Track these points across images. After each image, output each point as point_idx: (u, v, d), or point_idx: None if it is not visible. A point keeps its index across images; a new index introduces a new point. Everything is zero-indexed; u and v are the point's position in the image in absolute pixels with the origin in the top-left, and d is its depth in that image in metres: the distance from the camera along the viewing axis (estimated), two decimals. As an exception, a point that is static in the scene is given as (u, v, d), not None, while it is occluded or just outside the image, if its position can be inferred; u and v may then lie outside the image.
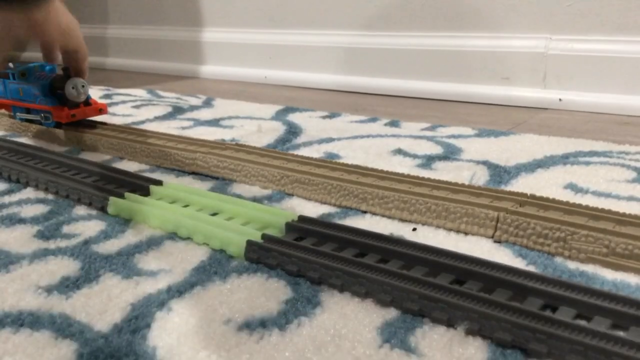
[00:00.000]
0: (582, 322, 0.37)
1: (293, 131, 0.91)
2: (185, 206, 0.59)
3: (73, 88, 0.85)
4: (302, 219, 0.53)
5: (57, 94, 0.87)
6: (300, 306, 0.42)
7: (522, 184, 0.64)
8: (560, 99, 1.06)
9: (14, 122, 0.99)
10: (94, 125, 0.92)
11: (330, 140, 0.86)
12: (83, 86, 0.86)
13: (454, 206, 0.54)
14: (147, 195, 0.62)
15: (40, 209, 0.62)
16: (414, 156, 0.76)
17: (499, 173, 0.68)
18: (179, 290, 0.44)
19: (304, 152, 0.80)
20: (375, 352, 0.36)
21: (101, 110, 0.90)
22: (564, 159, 0.73)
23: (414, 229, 0.54)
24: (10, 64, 0.91)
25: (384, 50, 1.27)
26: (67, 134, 0.88)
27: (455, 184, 0.59)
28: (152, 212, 0.56)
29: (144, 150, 0.78)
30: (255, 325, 0.39)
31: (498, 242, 0.51)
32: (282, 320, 0.40)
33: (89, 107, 0.88)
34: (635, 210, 0.54)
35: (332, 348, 0.37)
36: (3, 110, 1.00)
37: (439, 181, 0.60)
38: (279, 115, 1.05)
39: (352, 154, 0.78)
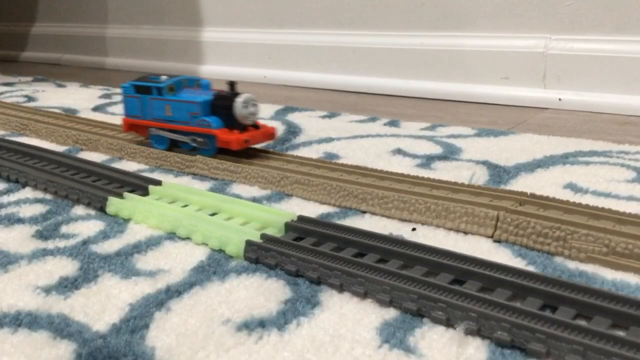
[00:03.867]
0: (582, 322, 0.37)
1: (292, 131, 0.91)
2: (184, 206, 0.59)
3: (245, 106, 0.68)
4: (302, 219, 0.53)
5: (221, 113, 0.70)
6: (300, 306, 0.42)
7: (521, 184, 0.64)
8: (560, 99, 1.05)
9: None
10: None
11: (329, 140, 0.86)
12: (254, 104, 0.70)
13: (453, 206, 0.54)
14: (146, 195, 0.62)
15: (39, 209, 0.62)
16: (414, 156, 0.76)
17: (499, 173, 0.68)
18: (177, 291, 0.44)
19: (303, 151, 0.79)
20: (375, 352, 0.36)
21: (271, 135, 0.73)
22: (564, 159, 0.72)
23: (414, 229, 0.54)
24: (164, 76, 0.75)
25: (384, 50, 1.27)
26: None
27: (455, 183, 0.59)
28: (151, 212, 0.56)
29: (143, 150, 0.78)
30: (254, 326, 0.39)
31: (498, 241, 0.51)
32: (281, 320, 0.40)
33: (259, 131, 0.71)
34: (635, 210, 0.54)
35: (331, 348, 0.37)
36: (128, 133, 0.82)
37: (438, 181, 0.60)
38: (278, 115, 1.05)
39: (351, 153, 0.78)
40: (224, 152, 0.71)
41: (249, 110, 0.69)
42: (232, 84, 0.70)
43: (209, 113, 0.71)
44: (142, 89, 0.75)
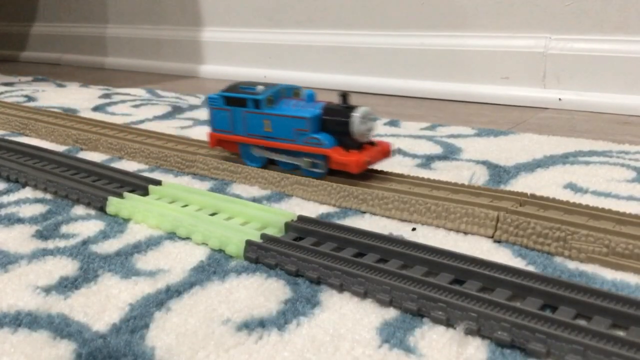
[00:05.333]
0: (582, 322, 0.37)
1: (292, 131, 0.91)
2: (184, 206, 0.59)
3: (363, 122, 0.59)
4: (302, 218, 0.53)
5: (334, 130, 0.61)
6: (300, 306, 0.42)
7: (521, 184, 0.64)
8: (560, 99, 1.05)
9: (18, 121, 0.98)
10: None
11: (329, 140, 0.86)
12: (372, 119, 0.61)
13: (454, 206, 0.54)
14: (146, 195, 0.62)
15: (38, 209, 0.62)
16: (414, 156, 0.76)
17: (499, 173, 0.68)
18: (177, 290, 0.44)
19: (303, 151, 0.79)
20: (375, 352, 0.36)
21: (389, 152, 0.64)
22: (564, 159, 0.72)
23: (414, 229, 0.54)
24: (260, 86, 0.66)
25: (384, 50, 1.27)
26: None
27: (455, 184, 0.59)
28: (151, 211, 0.56)
29: (143, 150, 0.78)
30: (254, 325, 0.39)
31: (498, 241, 0.51)
32: (281, 320, 0.40)
33: (377, 149, 0.62)
34: (635, 210, 0.54)
35: (331, 348, 0.37)
36: (215, 149, 0.73)
37: (438, 181, 0.60)
38: (278, 115, 1.04)
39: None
40: (335, 174, 0.62)
41: (367, 126, 0.60)
42: (344, 96, 0.61)
43: (318, 129, 0.61)
44: (235, 101, 0.66)
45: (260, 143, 0.66)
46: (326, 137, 0.60)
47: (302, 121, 0.61)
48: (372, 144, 0.62)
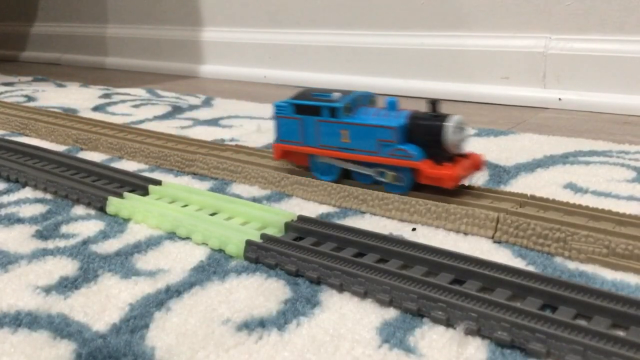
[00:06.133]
0: (582, 322, 0.37)
1: (292, 131, 0.91)
2: (184, 206, 0.59)
3: (456, 131, 0.55)
4: (302, 218, 0.53)
5: (423, 140, 0.56)
6: (300, 306, 0.42)
7: (521, 184, 0.64)
8: (560, 99, 1.05)
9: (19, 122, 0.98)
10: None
11: (329, 140, 0.85)
12: (465, 128, 0.56)
13: (454, 207, 0.54)
14: (146, 195, 0.62)
15: (38, 209, 0.62)
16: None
17: (499, 173, 0.68)
18: (177, 290, 0.44)
19: (303, 151, 0.79)
20: (375, 352, 0.36)
21: (482, 163, 0.59)
22: (564, 159, 0.72)
23: (414, 229, 0.54)
24: (336, 93, 0.60)
25: (384, 50, 1.27)
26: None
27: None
28: (151, 211, 0.56)
29: (143, 150, 0.78)
30: (254, 325, 0.39)
31: (498, 242, 0.51)
32: (281, 320, 0.40)
33: (469, 161, 0.57)
34: (635, 210, 0.54)
35: (331, 348, 0.37)
36: (277, 160, 0.67)
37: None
38: (278, 115, 1.04)
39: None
40: (420, 189, 0.57)
41: (460, 136, 0.55)
42: (434, 103, 0.56)
43: (405, 140, 0.57)
44: (307, 109, 0.61)
45: (336, 155, 0.60)
46: (415, 149, 0.56)
47: (388, 131, 0.56)
48: (463, 155, 0.57)
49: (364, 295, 0.42)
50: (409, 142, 0.56)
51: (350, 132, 0.59)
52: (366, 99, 0.62)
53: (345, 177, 0.62)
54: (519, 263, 0.47)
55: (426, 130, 0.55)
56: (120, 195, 0.60)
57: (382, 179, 0.58)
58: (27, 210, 0.61)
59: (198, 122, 1.00)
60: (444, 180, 0.54)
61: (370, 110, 0.60)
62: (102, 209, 0.60)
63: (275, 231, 0.52)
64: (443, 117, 0.55)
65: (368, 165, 0.59)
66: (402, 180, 0.57)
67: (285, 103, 0.63)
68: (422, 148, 0.56)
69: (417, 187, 0.57)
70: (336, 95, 0.60)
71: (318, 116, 0.60)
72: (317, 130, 0.61)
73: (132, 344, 0.38)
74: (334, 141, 0.60)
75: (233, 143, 0.78)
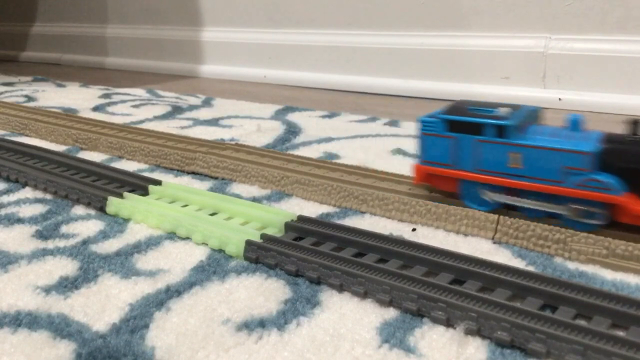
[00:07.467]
0: (582, 322, 0.37)
1: (292, 131, 0.91)
2: (184, 206, 0.59)
3: None
4: (302, 218, 0.53)
5: (623, 170, 0.46)
6: (300, 306, 0.42)
7: (521, 184, 0.64)
8: (560, 99, 1.05)
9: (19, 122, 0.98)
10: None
11: (329, 139, 0.86)
12: None
13: (454, 208, 0.54)
14: (145, 195, 0.62)
15: (38, 209, 0.62)
16: (414, 156, 0.76)
17: (499, 173, 0.68)
18: (177, 290, 0.44)
19: (303, 151, 0.79)
20: (375, 351, 0.36)
21: None
22: (564, 159, 0.72)
23: (414, 229, 0.54)
24: (503, 108, 0.51)
25: (384, 50, 1.27)
26: None
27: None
28: (151, 211, 0.56)
29: (143, 149, 0.78)
30: (254, 325, 0.39)
31: (498, 243, 0.51)
32: (281, 320, 0.40)
33: None
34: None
35: (331, 348, 0.37)
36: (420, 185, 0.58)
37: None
38: (278, 115, 1.05)
39: (351, 153, 0.78)
40: (617, 227, 0.48)
41: None
42: (635, 123, 0.47)
43: (599, 168, 0.47)
44: (465, 126, 0.51)
45: (501, 182, 0.51)
46: (613, 180, 0.46)
47: (579, 157, 0.47)
48: None
49: (364, 295, 0.42)
50: (603, 171, 0.47)
51: (524, 156, 0.49)
52: (533, 115, 0.53)
53: (506, 208, 0.52)
54: (518, 263, 0.47)
55: (630, 157, 0.46)
56: (120, 195, 0.60)
57: (563, 214, 0.49)
58: (27, 210, 0.61)
59: (198, 122, 1.00)
60: None
61: (546, 129, 0.51)
62: (102, 209, 0.60)
63: (275, 231, 0.52)
64: None
65: (542, 196, 0.50)
66: (593, 216, 0.48)
67: (435, 118, 0.53)
68: (621, 179, 0.46)
69: (611, 224, 0.48)
70: (504, 110, 0.51)
71: (479, 135, 0.51)
72: (477, 151, 0.51)
73: (132, 344, 0.38)
74: (498, 166, 0.51)
75: (233, 143, 0.78)
